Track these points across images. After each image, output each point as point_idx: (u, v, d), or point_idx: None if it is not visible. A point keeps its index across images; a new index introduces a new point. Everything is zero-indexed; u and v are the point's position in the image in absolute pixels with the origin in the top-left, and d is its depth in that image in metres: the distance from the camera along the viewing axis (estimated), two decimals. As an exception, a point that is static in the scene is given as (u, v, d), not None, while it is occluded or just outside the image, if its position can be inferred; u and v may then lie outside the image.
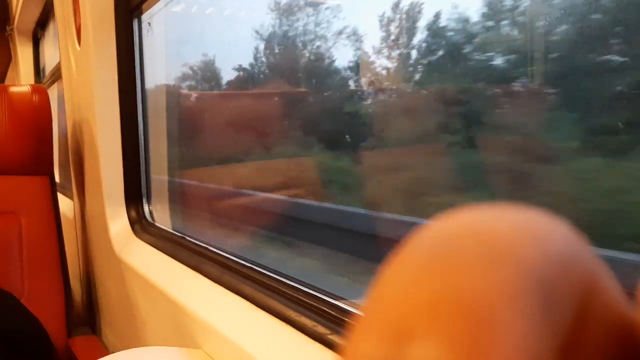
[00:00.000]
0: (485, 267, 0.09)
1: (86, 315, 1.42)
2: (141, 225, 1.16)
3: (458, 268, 0.09)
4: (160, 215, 1.21)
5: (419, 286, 0.09)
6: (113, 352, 0.74)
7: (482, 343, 0.08)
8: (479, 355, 0.08)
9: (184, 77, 1.55)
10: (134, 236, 1.14)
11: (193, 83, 1.65)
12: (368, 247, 1.20)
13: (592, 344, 0.11)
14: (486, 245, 0.09)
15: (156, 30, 1.18)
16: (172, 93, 1.35)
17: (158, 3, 1.12)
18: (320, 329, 0.58)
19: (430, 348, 0.08)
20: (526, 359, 0.09)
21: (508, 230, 0.10)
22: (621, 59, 0.69)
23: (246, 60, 1.74)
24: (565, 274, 0.10)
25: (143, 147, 1.19)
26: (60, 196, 1.36)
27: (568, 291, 0.10)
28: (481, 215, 0.10)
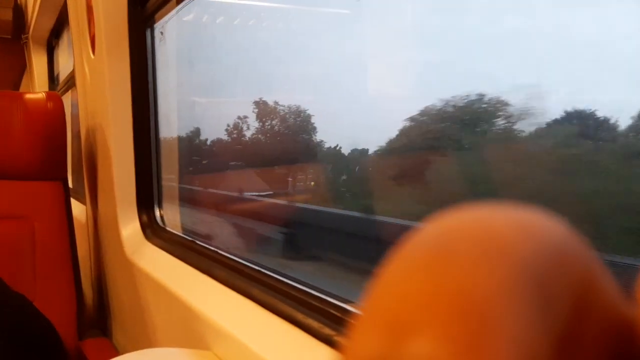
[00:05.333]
0: (481, 265, 0.09)
1: (97, 318, 1.43)
2: (152, 230, 1.17)
3: (455, 265, 0.09)
4: (171, 220, 1.23)
5: (416, 283, 0.09)
6: (123, 354, 0.75)
7: (479, 338, 0.08)
8: (475, 351, 0.08)
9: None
10: (145, 240, 1.15)
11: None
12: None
13: (588, 341, 0.11)
14: (482, 243, 0.10)
15: (168, 39, 1.21)
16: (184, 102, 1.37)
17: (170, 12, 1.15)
18: (327, 331, 0.58)
19: (427, 343, 0.09)
20: (522, 354, 0.09)
21: (504, 228, 0.10)
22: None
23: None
24: (561, 271, 0.10)
25: (155, 153, 1.22)
26: (73, 201, 1.38)
27: (564, 288, 0.10)
28: (478, 214, 0.11)
